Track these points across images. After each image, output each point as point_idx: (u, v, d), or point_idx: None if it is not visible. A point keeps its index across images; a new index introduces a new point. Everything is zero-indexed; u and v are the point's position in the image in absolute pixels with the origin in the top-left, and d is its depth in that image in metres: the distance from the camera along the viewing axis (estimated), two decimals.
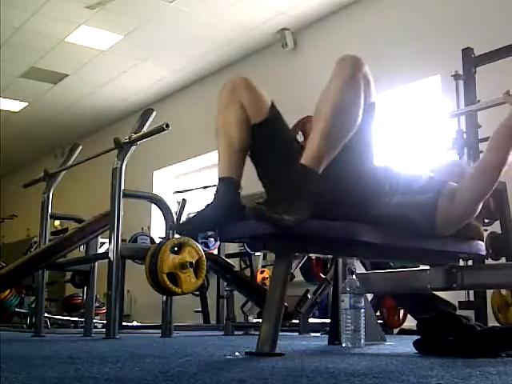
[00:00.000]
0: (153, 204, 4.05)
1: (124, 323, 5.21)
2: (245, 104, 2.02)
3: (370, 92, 1.90)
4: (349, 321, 2.19)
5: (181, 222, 2.14)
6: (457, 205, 1.97)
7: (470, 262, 2.51)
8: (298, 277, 4.66)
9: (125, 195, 3.30)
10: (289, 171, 1.84)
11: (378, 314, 4.02)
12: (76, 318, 5.66)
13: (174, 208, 3.67)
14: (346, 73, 1.83)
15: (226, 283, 4.91)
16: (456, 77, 3.90)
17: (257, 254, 5.67)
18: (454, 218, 2.00)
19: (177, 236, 3.30)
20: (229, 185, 2.00)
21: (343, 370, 1.40)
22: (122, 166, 3.30)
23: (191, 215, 2.04)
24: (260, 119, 2.02)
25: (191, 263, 3.21)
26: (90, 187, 10.28)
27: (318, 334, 4.02)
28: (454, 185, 2.04)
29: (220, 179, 2.02)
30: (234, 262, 5.04)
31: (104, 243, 4.63)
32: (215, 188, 2.06)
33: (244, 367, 1.50)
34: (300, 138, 2.22)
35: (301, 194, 1.79)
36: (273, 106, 2.05)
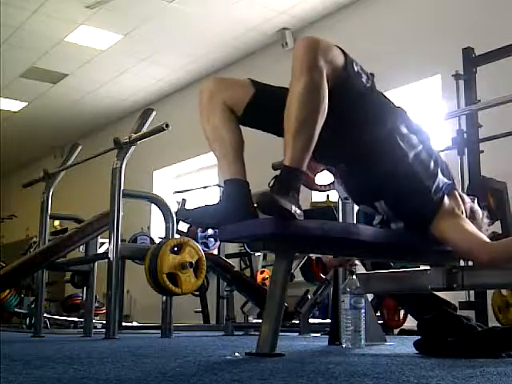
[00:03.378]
0: (153, 204, 4.04)
1: (124, 323, 5.21)
2: (228, 101, 2.00)
3: (339, 66, 1.87)
4: (349, 321, 2.19)
5: (188, 209, 2.10)
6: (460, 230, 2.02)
7: (470, 262, 2.50)
8: (298, 277, 4.65)
9: (124, 195, 3.30)
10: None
11: (378, 314, 4.01)
12: (76, 319, 5.66)
13: (174, 208, 3.66)
14: (300, 67, 1.80)
15: (225, 283, 4.90)
16: (456, 76, 3.89)
17: (257, 254, 5.67)
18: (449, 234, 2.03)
19: (177, 236, 3.29)
20: (236, 184, 1.98)
21: (343, 370, 1.40)
22: (121, 165, 3.29)
23: (198, 206, 2.02)
24: (249, 97, 2.00)
25: (191, 263, 3.21)
26: (89, 187, 10.28)
27: (319, 335, 4.01)
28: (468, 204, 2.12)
29: (226, 182, 2.00)
30: (234, 262, 5.04)
31: (104, 243, 4.63)
32: (221, 191, 2.04)
33: (244, 367, 1.50)
34: None
35: (291, 192, 1.79)
36: (252, 80, 2.04)
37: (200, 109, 2.05)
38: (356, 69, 1.93)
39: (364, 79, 1.96)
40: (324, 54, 1.82)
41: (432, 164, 2.07)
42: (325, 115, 1.81)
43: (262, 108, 2.03)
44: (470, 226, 2.05)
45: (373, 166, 2.06)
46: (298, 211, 1.78)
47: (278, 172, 2.19)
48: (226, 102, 2.00)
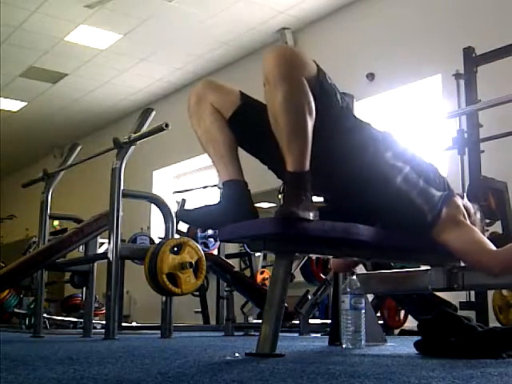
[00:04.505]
0: (152, 204, 4.04)
1: (123, 324, 5.20)
2: (215, 104, 1.99)
3: (312, 74, 1.81)
4: (349, 321, 2.18)
5: (188, 209, 2.09)
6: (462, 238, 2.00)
7: None
8: (298, 277, 4.65)
9: (124, 195, 3.29)
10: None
11: (378, 314, 4.01)
12: (75, 319, 5.65)
13: (174, 208, 3.66)
14: (274, 76, 1.75)
15: (225, 284, 4.90)
16: (457, 76, 3.90)
17: (257, 254, 5.66)
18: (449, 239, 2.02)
19: (176, 236, 3.29)
20: (236, 185, 1.98)
21: (344, 370, 1.39)
22: (121, 165, 3.29)
23: (199, 206, 2.01)
24: (234, 109, 1.99)
25: (191, 263, 3.20)
26: (89, 187, 10.28)
27: (319, 335, 4.01)
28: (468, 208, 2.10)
29: (224, 183, 1.99)
30: (234, 263, 5.04)
31: (103, 243, 4.63)
32: (220, 193, 2.04)
33: (244, 368, 1.49)
34: None
35: (303, 195, 1.79)
36: (241, 93, 2.03)
37: (189, 113, 2.05)
38: (330, 81, 1.89)
39: (338, 96, 1.91)
40: (296, 61, 1.78)
41: (422, 183, 2.05)
42: (313, 116, 1.78)
43: (244, 123, 2.01)
44: (475, 233, 2.02)
45: (360, 198, 2.03)
46: (313, 214, 1.79)
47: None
48: (213, 104, 1.99)
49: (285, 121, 1.76)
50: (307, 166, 1.81)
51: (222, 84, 2.07)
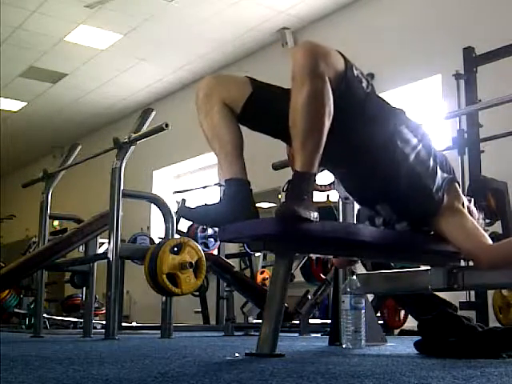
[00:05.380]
0: (152, 204, 4.04)
1: (123, 324, 5.20)
2: (226, 99, 1.98)
3: (339, 71, 1.84)
4: (349, 322, 2.18)
5: (190, 207, 2.09)
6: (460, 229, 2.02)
7: (471, 263, 2.50)
8: (298, 277, 4.65)
9: (124, 195, 3.29)
10: None
11: (378, 314, 4.01)
12: (75, 319, 5.65)
13: (174, 208, 3.65)
14: (301, 74, 1.78)
15: (225, 284, 4.90)
16: (457, 76, 3.89)
17: (257, 254, 5.66)
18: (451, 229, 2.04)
19: (176, 236, 3.29)
20: (238, 184, 1.98)
21: (344, 371, 1.39)
22: (121, 165, 3.29)
23: (200, 204, 2.01)
24: (246, 97, 1.99)
25: (191, 263, 3.20)
26: (89, 187, 10.28)
27: (319, 335, 4.01)
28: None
29: (227, 181, 1.99)
30: (234, 263, 5.04)
31: (103, 243, 4.62)
32: (222, 191, 2.03)
33: (244, 368, 1.49)
34: None
35: (305, 196, 1.80)
36: (251, 79, 2.03)
37: (197, 106, 2.03)
38: (356, 73, 1.91)
39: (364, 84, 1.94)
40: (324, 58, 1.81)
41: (431, 162, 2.07)
42: (331, 118, 1.80)
43: (259, 109, 2.01)
44: (471, 222, 2.05)
45: (375, 170, 2.05)
46: (315, 215, 1.79)
47: (276, 172, 2.20)
48: (223, 100, 1.98)
49: (303, 121, 1.78)
50: (315, 169, 1.82)
51: (230, 77, 2.08)
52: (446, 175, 2.10)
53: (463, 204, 2.10)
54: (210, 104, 1.99)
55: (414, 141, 2.06)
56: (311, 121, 1.78)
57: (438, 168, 2.08)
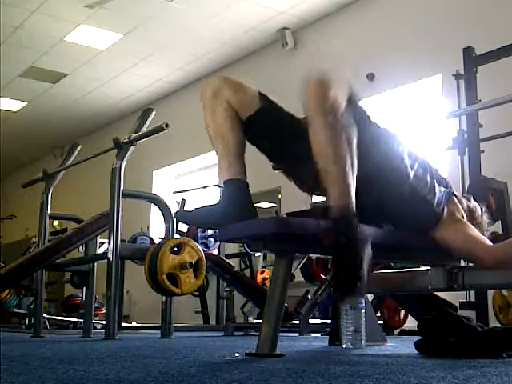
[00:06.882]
0: (152, 204, 4.04)
1: (123, 324, 5.20)
2: (232, 103, 1.99)
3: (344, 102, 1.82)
4: (349, 322, 2.18)
5: (187, 210, 2.09)
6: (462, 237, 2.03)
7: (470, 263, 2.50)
8: (298, 277, 4.65)
9: (124, 195, 3.29)
10: (301, 149, 1.85)
11: (378, 314, 4.01)
12: (75, 319, 5.65)
13: (174, 208, 3.66)
14: (315, 110, 1.76)
15: (225, 284, 4.90)
16: (457, 76, 3.89)
17: (257, 254, 5.66)
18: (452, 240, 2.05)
19: (176, 236, 3.28)
20: (237, 185, 1.98)
21: (343, 371, 1.39)
22: (121, 165, 3.29)
23: (198, 207, 2.01)
24: (254, 110, 1.99)
25: (191, 263, 3.20)
26: (89, 187, 10.28)
27: (319, 335, 4.01)
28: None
29: (226, 182, 1.99)
30: (234, 263, 5.04)
31: (103, 243, 4.62)
32: (220, 191, 2.04)
33: (244, 368, 1.49)
34: None
35: (354, 230, 1.77)
36: (261, 93, 2.03)
37: (204, 104, 2.04)
38: (357, 101, 1.91)
39: (360, 110, 1.93)
40: (334, 92, 1.78)
41: (429, 178, 2.07)
42: (355, 145, 1.78)
43: (261, 128, 2.02)
44: (471, 230, 2.05)
45: (377, 194, 2.03)
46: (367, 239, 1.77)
47: (276, 172, 2.20)
48: (230, 103, 1.98)
49: (335, 164, 1.75)
50: (353, 202, 1.78)
51: (240, 82, 2.05)
52: (443, 189, 2.10)
53: (463, 216, 2.11)
54: (217, 103, 1.99)
55: (411, 159, 2.05)
56: (339, 153, 1.75)
57: (436, 183, 2.09)
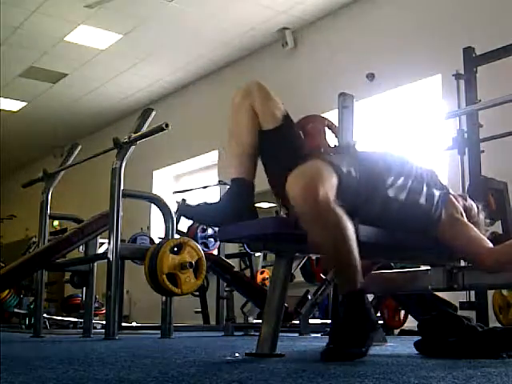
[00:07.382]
0: (152, 204, 4.04)
1: (123, 324, 5.20)
2: (257, 109, 2.03)
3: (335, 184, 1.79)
4: None
5: (190, 205, 2.11)
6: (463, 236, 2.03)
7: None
8: (298, 277, 4.65)
9: (124, 195, 3.29)
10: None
11: (378, 314, 4.01)
12: (75, 319, 5.65)
13: (174, 208, 3.65)
14: (313, 218, 1.72)
15: (225, 284, 4.90)
16: (457, 76, 3.89)
17: (257, 254, 5.66)
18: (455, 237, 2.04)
19: (176, 236, 3.28)
20: (242, 184, 2.00)
21: (344, 370, 1.39)
22: (121, 165, 3.29)
23: (201, 202, 2.03)
24: (274, 125, 2.03)
25: (191, 263, 3.20)
26: (89, 187, 10.28)
27: (319, 335, 4.01)
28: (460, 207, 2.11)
29: (233, 180, 2.02)
30: (234, 263, 5.03)
31: (103, 243, 4.62)
32: (226, 189, 2.05)
33: (244, 368, 1.49)
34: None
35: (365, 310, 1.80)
36: (287, 114, 2.07)
37: (233, 102, 2.07)
38: (345, 172, 1.87)
39: (353, 174, 1.90)
40: (321, 184, 1.73)
41: (425, 188, 2.05)
42: (353, 235, 1.77)
43: (273, 142, 2.04)
44: (471, 230, 2.04)
45: (377, 221, 2.01)
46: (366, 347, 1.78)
47: None
48: (254, 108, 2.02)
49: (334, 256, 1.78)
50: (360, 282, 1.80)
51: (272, 95, 2.07)
52: (439, 192, 2.09)
53: (462, 214, 2.10)
54: (244, 104, 2.04)
55: (403, 181, 2.02)
56: (338, 247, 1.75)
57: (433, 189, 2.08)
